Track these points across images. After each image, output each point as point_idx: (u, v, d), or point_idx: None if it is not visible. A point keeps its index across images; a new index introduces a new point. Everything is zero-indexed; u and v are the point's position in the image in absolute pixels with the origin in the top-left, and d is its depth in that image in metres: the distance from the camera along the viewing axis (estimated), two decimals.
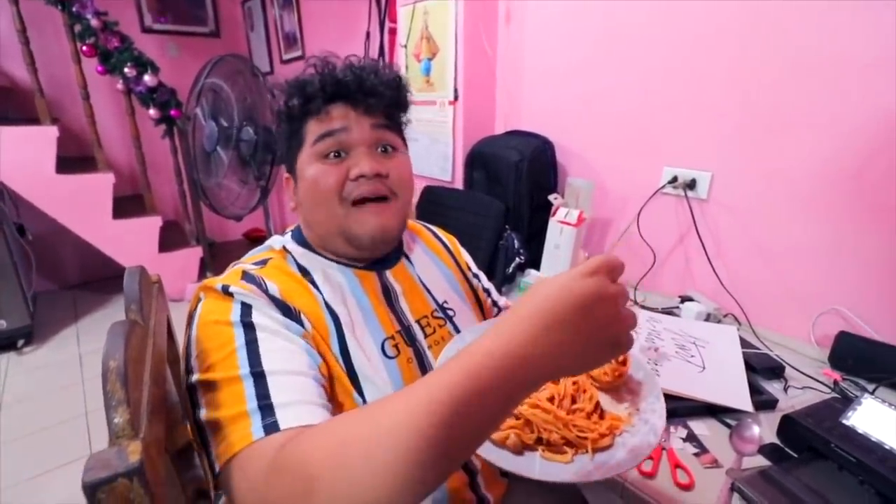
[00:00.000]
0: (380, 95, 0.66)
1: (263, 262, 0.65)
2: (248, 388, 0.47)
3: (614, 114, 1.37)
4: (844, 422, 0.71)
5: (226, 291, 0.56)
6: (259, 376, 0.48)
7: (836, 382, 0.91)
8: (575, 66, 1.44)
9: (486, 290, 0.91)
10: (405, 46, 1.76)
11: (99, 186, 2.58)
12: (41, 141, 2.40)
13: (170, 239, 2.96)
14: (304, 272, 0.67)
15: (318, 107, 0.65)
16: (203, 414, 0.49)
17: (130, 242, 2.71)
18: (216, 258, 3.16)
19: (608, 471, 0.48)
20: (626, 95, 1.33)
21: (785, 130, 1.04)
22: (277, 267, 0.65)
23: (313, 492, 0.34)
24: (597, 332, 0.37)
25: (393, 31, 1.95)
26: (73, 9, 2.29)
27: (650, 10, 1.22)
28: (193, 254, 2.98)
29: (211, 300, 0.57)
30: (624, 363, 0.62)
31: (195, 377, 0.52)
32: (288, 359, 0.52)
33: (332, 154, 0.65)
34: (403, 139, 0.73)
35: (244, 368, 0.49)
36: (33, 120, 2.44)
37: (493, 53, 1.62)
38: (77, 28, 2.34)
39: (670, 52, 1.21)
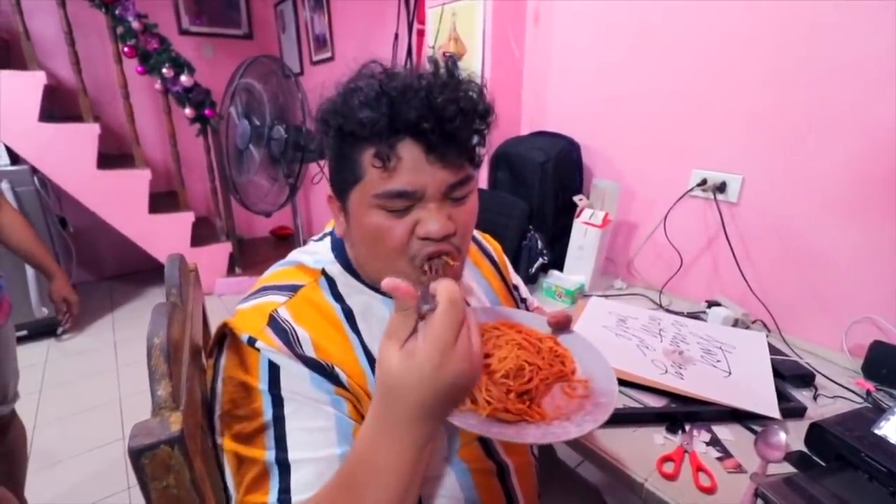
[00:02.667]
0: (463, 137, 0.53)
1: (293, 290, 0.59)
2: (273, 479, 0.48)
3: (643, 115, 1.36)
4: (876, 431, 0.69)
5: (252, 345, 0.51)
6: (284, 467, 0.49)
7: (868, 393, 0.88)
8: (603, 67, 1.43)
9: (524, 301, 0.90)
10: (433, 48, 1.78)
11: (136, 182, 2.69)
12: (84, 138, 2.52)
13: (201, 234, 3.06)
14: (342, 303, 0.60)
15: (381, 152, 0.51)
16: (230, 477, 0.51)
17: (164, 237, 2.82)
18: (245, 254, 3.25)
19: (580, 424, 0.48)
20: (656, 96, 1.31)
21: (819, 132, 1.02)
22: (309, 301, 0.59)
23: None
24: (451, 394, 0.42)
25: (421, 33, 1.98)
26: (116, 11, 2.40)
27: (680, 10, 1.21)
28: (223, 249, 3.07)
29: (234, 354, 0.53)
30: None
31: (221, 440, 0.52)
32: (316, 442, 0.50)
33: (395, 208, 0.54)
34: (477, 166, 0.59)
35: (270, 453, 0.49)
36: (77, 118, 2.56)
37: (520, 54, 1.62)
38: (119, 30, 2.45)
39: (701, 52, 1.19)
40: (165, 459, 0.33)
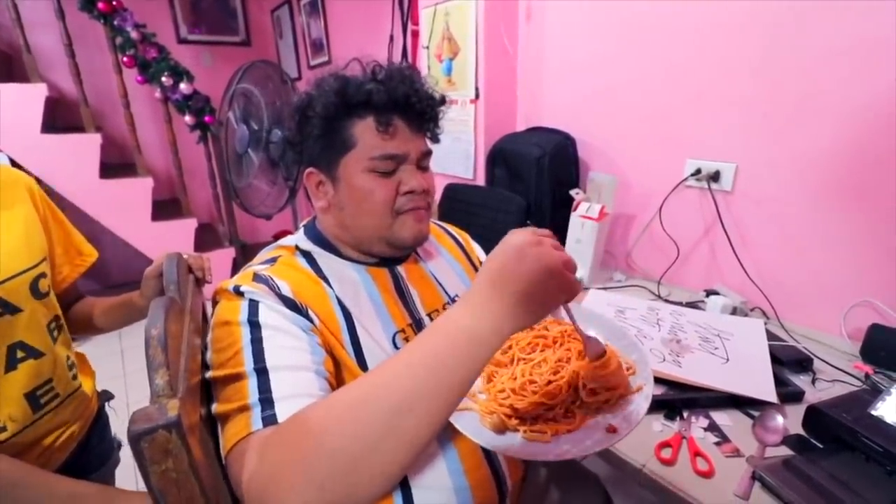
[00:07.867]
0: (432, 118, 0.71)
1: (273, 260, 0.67)
2: (252, 383, 0.50)
3: (636, 107, 1.36)
4: (873, 412, 0.70)
5: (237, 291, 0.58)
6: (262, 372, 0.51)
7: (867, 375, 0.89)
8: (596, 61, 1.44)
9: None
10: (427, 48, 1.79)
11: (139, 190, 2.72)
12: (86, 148, 2.54)
13: (204, 240, 3.08)
14: (317, 269, 0.68)
15: (382, 119, 0.65)
16: (214, 408, 0.53)
17: (168, 244, 2.82)
18: (248, 259, 3.24)
19: (584, 449, 0.49)
20: (649, 88, 1.32)
21: (811, 118, 1.02)
22: (287, 264, 0.67)
23: (310, 443, 0.38)
24: (537, 273, 0.44)
25: (415, 34, 1.99)
26: (115, 22, 2.42)
27: (671, 1, 1.21)
28: (226, 254, 3.09)
29: (224, 302, 0.59)
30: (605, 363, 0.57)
31: (209, 374, 0.56)
32: (291, 355, 0.54)
33: (385, 170, 0.67)
34: None
35: (248, 365, 0.52)
36: (79, 128, 2.58)
37: (513, 51, 1.63)
38: (118, 40, 2.48)
39: (692, 42, 1.20)
40: (164, 443, 0.34)
